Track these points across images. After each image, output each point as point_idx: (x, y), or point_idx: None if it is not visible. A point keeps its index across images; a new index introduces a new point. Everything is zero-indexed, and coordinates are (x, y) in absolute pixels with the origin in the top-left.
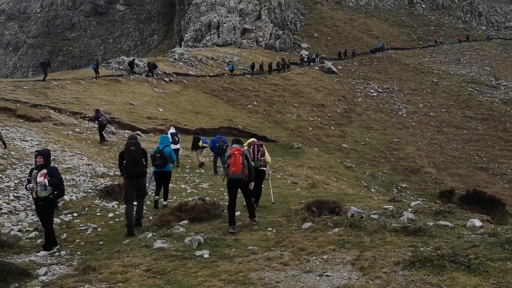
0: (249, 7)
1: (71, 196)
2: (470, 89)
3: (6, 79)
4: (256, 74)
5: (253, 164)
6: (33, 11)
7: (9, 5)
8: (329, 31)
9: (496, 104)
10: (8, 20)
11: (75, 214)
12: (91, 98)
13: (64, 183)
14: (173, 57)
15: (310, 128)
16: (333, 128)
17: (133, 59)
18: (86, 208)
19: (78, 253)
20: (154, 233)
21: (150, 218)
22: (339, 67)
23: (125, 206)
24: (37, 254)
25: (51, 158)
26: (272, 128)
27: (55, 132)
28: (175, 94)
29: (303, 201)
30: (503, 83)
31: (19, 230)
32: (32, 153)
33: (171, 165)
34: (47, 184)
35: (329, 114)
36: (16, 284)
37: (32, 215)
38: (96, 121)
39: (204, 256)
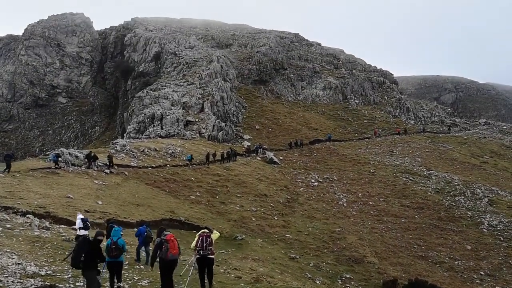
0: (193, 100)
1: None
2: (405, 179)
3: None
4: (210, 163)
5: (201, 253)
6: None
7: None
8: (270, 123)
9: (429, 193)
10: None
11: None
12: (25, 191)
13: None
14: (115, 148)
15: (254, 219)
16: (276, 218)
17: (90, 152)
18: None
19: None
20: None
21: None
22: (281, 158)
23: None
24: None
25: None
26: (215, 219)
27: None
28: (116, 186)
29: None
30: (434, 174)
31: None
32: None
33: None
34: None
35: (272, 204)
36: None
37: None
38: None
39: None
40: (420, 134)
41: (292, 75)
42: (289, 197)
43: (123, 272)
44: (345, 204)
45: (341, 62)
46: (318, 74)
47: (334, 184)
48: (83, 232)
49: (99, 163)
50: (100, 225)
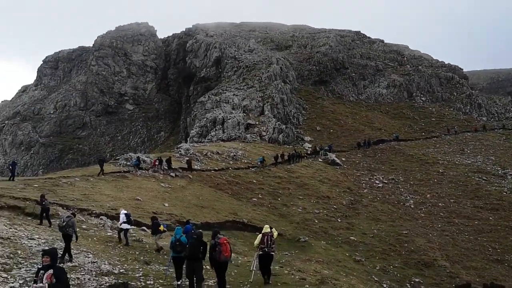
0: (253, 104)
1: None
2: (478, 178)
3: (17, 177)
4: (279, 164)
5: (266, 250)
6: (47, 112)
7: (24, 107)
8: (331, 124)
9: (505, 193)
10: (22, 121)
11: None
12: (98, 194)
13: (70, 282)
14: (179, 152)
15: (316, 221)
16: (339, 220)
17: (170, 157)
18: None
19: None
20: None
21: None
22: (343, 159)
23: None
24: None
25: (57, 257)
26: (277, 221)
27: None
28: (181, 188)
29: None
30: (510, 173)
31: None
32: (39, 251)
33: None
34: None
35: (335, 206)
36: None
37: None
38: (41, 205)
39: None
40: (495, 131)
41: (353, 74)
42: (352, 199)
43: None
44: (412, 206)
45: (405, 59)
46: (381, 72)
47: (400, 185)
48: (126, 226)
49: (165, 167)
50: (167, 226)
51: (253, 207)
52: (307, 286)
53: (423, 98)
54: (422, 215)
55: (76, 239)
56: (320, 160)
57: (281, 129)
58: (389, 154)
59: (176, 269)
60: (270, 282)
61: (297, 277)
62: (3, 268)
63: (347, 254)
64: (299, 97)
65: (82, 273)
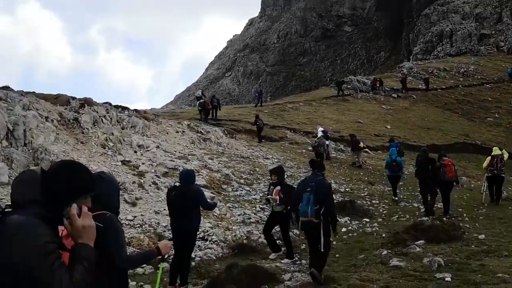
0: (488, 10)
1: None
2: None
3: (249, 104)
4: None
5: (495, 172)
6: (271, 42)
7: (252, 39)
8: None
9: None
10: (251, 52)
11: None
12: (321, 118)
13: None
14: (401, 72)
15: None
16: None
17: (405, 77)
18: None
19: None
20: (389, 251)
21: (383, 235)
22: None
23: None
24: (282, 261)
25: (285, 175)
26: None
27: (291, 150)
28: (403, 110)
29: None
30: None
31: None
32: None
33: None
34: (278, 201)
35: None
36: (266, 286)
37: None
38: (255, 125)
39: (446, 279)
40: None
41: None
42: None
43: (416, 194)
44: None
45: None
46: None
47: None
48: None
49: (386, 88)
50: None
51: (488, 127)
52: None
53: None
54: None
55: (327, 157)
56: None
57: None
58: None
59: (393, 187)
60: (500, 203)
61: None
62: (245, 183)
63: None
64: None
65: None
